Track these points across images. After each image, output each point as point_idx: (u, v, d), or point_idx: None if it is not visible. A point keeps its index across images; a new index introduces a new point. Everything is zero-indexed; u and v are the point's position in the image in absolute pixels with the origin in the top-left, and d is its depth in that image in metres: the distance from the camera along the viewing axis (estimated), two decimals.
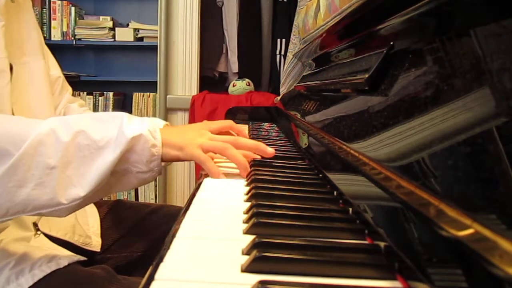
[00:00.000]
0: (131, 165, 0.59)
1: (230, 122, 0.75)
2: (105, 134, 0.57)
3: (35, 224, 0.73)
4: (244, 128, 1.26)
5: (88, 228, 0.84)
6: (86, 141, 0.56)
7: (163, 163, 0.62)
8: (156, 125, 0.62)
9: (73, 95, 0.99)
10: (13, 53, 0.73)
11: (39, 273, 0.63)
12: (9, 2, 0.74)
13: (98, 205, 0.94)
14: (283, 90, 1.67)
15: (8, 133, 0.53)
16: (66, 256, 0.69)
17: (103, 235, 0.88)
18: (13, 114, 0.67)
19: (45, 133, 0.54)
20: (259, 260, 0.34)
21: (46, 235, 0.74)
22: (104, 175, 0.56)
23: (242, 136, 0.74)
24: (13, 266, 0.63)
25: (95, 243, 0.83)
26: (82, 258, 0.71)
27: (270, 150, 0.69)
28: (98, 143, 0.56)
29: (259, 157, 0.71)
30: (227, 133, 0.74)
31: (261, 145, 0.69)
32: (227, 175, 0.66)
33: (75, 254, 0.71)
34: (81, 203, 0.56)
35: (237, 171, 0.66)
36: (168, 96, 2.31)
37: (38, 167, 0.53)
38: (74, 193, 0.55)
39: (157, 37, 2.32)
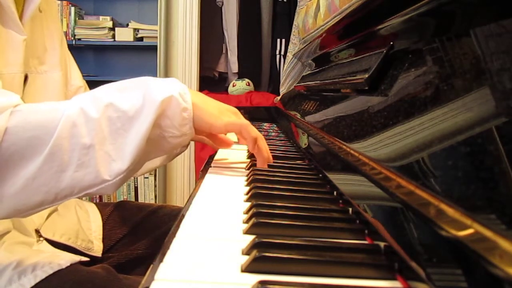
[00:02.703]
0: (163, 130, 0.57)
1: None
2: (134, 102, 0.55)
3: (37, 231, 0.73)
4: None
5: (90, 233, 0.84)
6: (116, 113, 0.55)
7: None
8: (185, 88, 0.60)
9: None
10: (31, 62, 0.73)
11: (41, 274, 0.63)
12: (37, 12, 0.73)
13: (102, 207, 0.94)
14: (283, 90, 1.67)
15: (39, 122, 0.52)
16: (68, 258, 0.69)
17: (105, 236, 0.88)
18: None
19: (74, 113, 0.53)
20: (259, 260, 0.34)
21: (48, 241, 0.75)
22: (141, 144, 0.55)
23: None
24: (15, 266, 0.63)
25: (97, 248, 0.84)
26: (84, 258, 0.71)
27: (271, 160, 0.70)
28: (128, 113, 0.55)
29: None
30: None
31: (270, 159, 0.69)
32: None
33: (77, 256, 0.71)
34: (126, 176, 0.55)
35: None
36: None
37: (75, 149, 0.53)
38: (116, 168, 0.54)
39: (157, 37, 2.32)
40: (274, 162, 0.70)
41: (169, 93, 0.56)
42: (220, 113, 0.62)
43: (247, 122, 0.64)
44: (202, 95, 0.64)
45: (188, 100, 0.58)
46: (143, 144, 0.55)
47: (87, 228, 0.84)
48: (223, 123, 0.62)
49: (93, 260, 0.79)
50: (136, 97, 0.56)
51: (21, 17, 0.69)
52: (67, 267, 0.66)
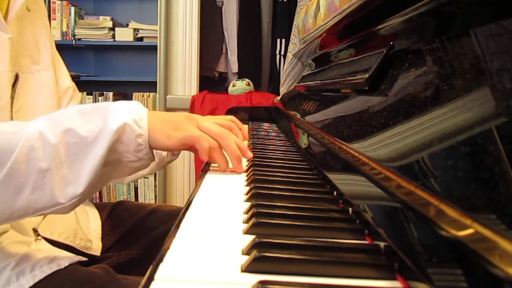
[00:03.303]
0: (120, 155, 0.58)
1: (232, 118, 0.73)
2: (93, 128, 0.56)
3: (34, 230, 0.73)
4: (244, 128, 1.25)
5: (89, 232, 0.84)
6: (74, 139, 0.55)
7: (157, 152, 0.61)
8: (143, 113, 0.60)
9: None
10: (22, 61, 0.73)
11: (40, 274, 0.63)
12: (24, 11, 0.74)
13: (101, 207, 0.94)
14: (283, 90, 1.67)
15: None
16: (67, 257, 0.69)
17: (104, 236, 0.88)
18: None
19: (33, 137, 0.54)
20: (259, 260, 0.34)
21: (47, 239, 0.74)
22: (97, 169, 0.56)
23: (244, 134, 0.75)
24: (13, 266, 0.63)
25: (96, 247, 0.83)
26: (83, 258, 0.71)
27: (250, 154, 0.70)
28: (87, 139, 0.56)
29: None
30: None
31: (247, 153, 0.69)
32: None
33: (76, 255, 0.71)
34: (81, 199, 0.57)
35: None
36: (168, 96, 2.31)
37: (32, 172, 0.53)
38: (71, 192, 0.55)
39: (157, 37, 2.32)
40: (274, 162, 0.70)
41: (123, 120, 0.57)
42: (174, 130, 0.62)
43: (199, 133, 0.63)
44: (162, 115, 0.64)
45: (144, 125, 0.59)
46: (99, 169, 0.56)
47: (86, 227, 0.84)
48: (176, 140, 0.62)
49: (92, 260, 0.79)
50: (96, 123, 0.57)
51: (6, 16, 0.69)
52: (65, 267, 0.66)
